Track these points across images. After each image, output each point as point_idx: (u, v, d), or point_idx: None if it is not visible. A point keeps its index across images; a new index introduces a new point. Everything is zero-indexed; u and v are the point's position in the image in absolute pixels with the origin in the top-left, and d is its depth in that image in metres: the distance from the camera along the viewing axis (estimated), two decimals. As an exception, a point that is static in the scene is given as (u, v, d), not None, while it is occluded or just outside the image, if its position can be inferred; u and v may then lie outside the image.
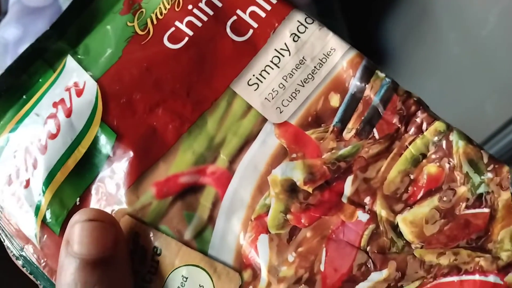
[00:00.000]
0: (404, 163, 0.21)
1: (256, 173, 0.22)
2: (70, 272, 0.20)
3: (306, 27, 0.23)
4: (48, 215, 0.22)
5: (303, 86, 0.22)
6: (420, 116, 0.21)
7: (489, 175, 0.21)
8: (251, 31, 0.23)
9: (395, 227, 0.21)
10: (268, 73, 0.22)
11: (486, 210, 0.21)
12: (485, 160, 0.21)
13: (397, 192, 0.21)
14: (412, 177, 0.21)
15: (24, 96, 0.24)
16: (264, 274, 0.21)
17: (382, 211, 0.21)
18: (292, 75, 0.22)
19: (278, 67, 0.22)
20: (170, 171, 0.22)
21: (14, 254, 0.23)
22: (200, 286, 0.21)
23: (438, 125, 0.21)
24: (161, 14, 0.23)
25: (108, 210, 0.22)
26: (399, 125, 0.22)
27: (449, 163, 0.21)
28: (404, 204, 0.21)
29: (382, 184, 0.21)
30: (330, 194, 0.21)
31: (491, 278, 0.20)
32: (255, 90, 0.22)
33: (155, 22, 0.23)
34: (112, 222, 0.21)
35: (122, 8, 0.24)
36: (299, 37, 0.23)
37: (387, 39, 0.71)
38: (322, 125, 0.22)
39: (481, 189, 0.21)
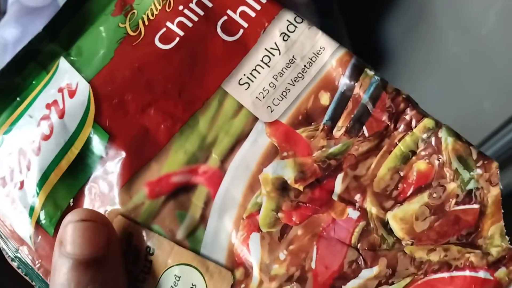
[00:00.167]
0: (394, 160, 0.21)
1: (248, 172, 0.22)
2: (64, 272, 0.20)
3: (295, 26, 0.23)
4: (42, 216, 0.22)
5: (294, 85, 0.22)
6: (409, 113, 0.22)
7: (479, 171, 0.21)
8: (241, 31, 0.23)
9: (385, 224, 0.21)
10: (259, 73, 0.22)
11: (476, 206, 0.21)
12: (474, 156, 0.21)
13: (387, 189, 0.21)
14: (402, 174, 0.21)
15: (17, 98, 0.24)
16: (256, 272, 0.21)
17: (372, 208, 0.21)
18: (283, 74, 0.22)
19: (269, 67, 0.22)
20: (162, 171, 0.22)
21: (9, 256, 0.23)
22: (193, 285, 0.21)
23: (427, 122, 0.21)
24: (152, 15, 0.23)
25: (101, 210, 0.22)
26: (389, 123, 0.22)
27: (439, 160, 0.21)
28: (394, 201, 0.21)
29: (372, 181, 0.21)
30: (320, 192, 0.21)
31: (481, 274, 0.20)
32: (246, 89, 0.22)
33: (146, 23, 0.23)
34: (105, 222, 0.21)
35: (114, 9, 0.24)
36: (289, 36, 0.23)
37: (386, 39, 0.71)
38: (312, 123, 0.22)
39: (471, 185, 0.21)
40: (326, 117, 0.22)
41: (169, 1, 0.23)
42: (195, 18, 0.23)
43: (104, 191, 0.22)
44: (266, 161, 0.22)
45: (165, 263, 0.21)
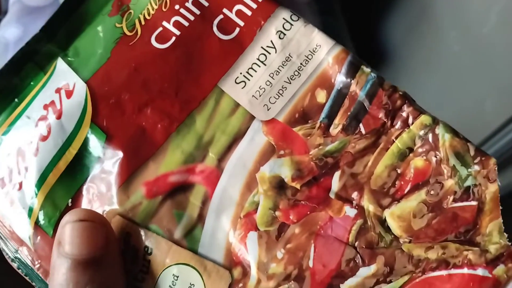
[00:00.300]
0: (391, 157, 0.21)
1: (245, 171, 0.22)
2: (62, 272, 0.20)
3: (291, 24, 0.23)
4: (41, 217, 0.22)
5: (290, 83, 0.22)
6: (406, 110, 0.21)
7: (476, 167, 0.21)
8: (237, 29, 0.23)
9: (383, 222, 0.21)
10: (255, 71, 0.22)
11: (474, 203, 0.21)
12: (472, 152, 0.21)
13: (385, 186, 0.21)
14: (399, 171, 0.21)
15: (16, 99, 0.24)
16: (253, 271, 0.21)
17: (369, 206, 0.21)
18: (279, 72, 0.22)
19: (265, 65, 0.22)
20: (160, 171, 0.22)
21: (9, 257, 0.23)
22: (191, 284, 0.21)
23: (424, 118, 0.21)
24: (148, 14, 0.23)
25: (99, 210, 0.22)
26: (385, 120, 0.22)
27: (436, 157, 0.21)
28: (391, 199, 0.21)
29: (369, 179, 0.21)
30: (317, 190, 0.21)
31: (480, 271, 0.20)
32: (242, 88, 0.22)
33: (143, 22, 0.23)
34: (103, 222, 0.21)
35: (111, 10, 0.24)
36: (285, 34, 0.23)
37: (388, 38, 0.71)
38: (309, 121, 0.22)
39: (469, 182, 0.21)
40: (323, 115, 0.22)
41: (165, 1, 0.23)
42: (191, 18, 0.23)
43: (102, 191, 0.22)
44: (263, 160, 0.22)
45: (163, 262, 0.21)
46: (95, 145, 0.22)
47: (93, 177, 0.22)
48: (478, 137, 0.54)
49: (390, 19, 0.70)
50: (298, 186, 0.21)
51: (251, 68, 0.22)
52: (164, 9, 0.23)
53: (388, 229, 0.21)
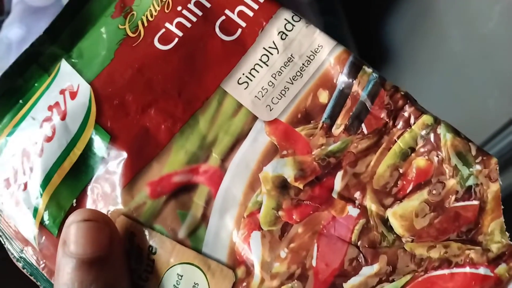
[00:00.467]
0: (393, 157, 0.21)
1: (248, 171, 0.22)
2: (67, 272, 0.20)
3: (293, 25, 0.23)
4: (46, 217, 0.22)
5: (292, 84, 0.22)
6: (407, 110, 0.22)
7: (478, 167, 0.21)
8: (239, 30, 0.23)
9: (385, 221, 0.21)
10: (258, 72, 0.22)
11: (476, 202, 0.21)
12: (473, 152, 0.21)
13: (387, 186, 0.21)
14: (401, 171, 0.21)
15: (20, 101, 0.24)
16: (257, 270, 0.21)
17: (372, 206, 0.21)
18: (281, 73, 0.22)
19: (267, 65, 0.23)
20: (164, 171, 0.22)
21: (14, 256, 0.23)
22: (195, 283, 0.21)
23: (425, 118, 0.21)
24: (151, 16, 0.24)
25: (104, 210, 0.22)
26: (387, 120, 0.22)
27: (438, 156, 0.21)
28: (393, 198, 0.21)
29: (371, 178, 0.21)
30: (320, 189, 0.22)
31: (482, 270, 0.20)
32: (245, 88, 0.22)
33: (145, 24, 0.23)
34: (107, 222, 0.21)
35: (113, 11, 0.24)
36: (286, 35, 0.23)
37: (390, 37, 0.71)
38: (311, 121, 0.22)
39: (470, 181, 0.21)
40: (325, 115, 0.22)
41: (168, 2, 0.23)
42: (194, 19, 0.23)
43: (106, 191, 0.22)
44: (266, 160, 0.22)
45: (168, 262, 0.21)
46: (100, 145, 0.22)
47: (98, 178, 0.22)
48: (480, 137, 0.54)
49: (392, 19, 0.70)
50: (301, 186, 0.22)
51: (254, 69, 0.23)
52: (166, 11, 0.23)
53: (390, 229, 0.21)
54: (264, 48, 0.23)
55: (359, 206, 0.21)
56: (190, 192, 0.22)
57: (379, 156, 0.21)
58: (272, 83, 0.22)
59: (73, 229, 0.20)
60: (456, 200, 0.21)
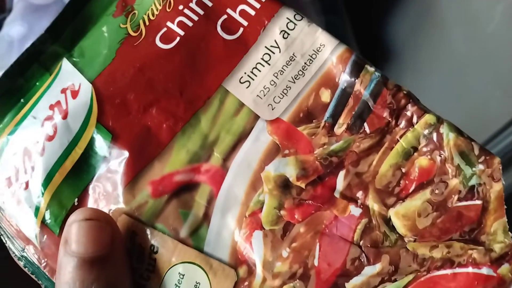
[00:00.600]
0: (396, 156, 0.21)
1: (250, 170, 0.22)
2: (68, 271, 0.20)
3: (295, 24, 0.23)
4: (47, 216, 0.22)
5: (294, 83, 0.22)
6: (410, 109, 0.21)
7: (481, 166, 0.21)
8: (241, 29, 0.23)
9: (387, 221, 0.21)
10: (259, 71, 0.22)
11: (478, 202, 0.21)
12: (476, 151, 0.21)
13: (389, 185, 0.21)
14: (403, 170, 0.21)
15: (22, 100, 0.24)
16: (259, 270, 0.21)
17: (374, 205, 0.21)
18: (283, 72, 0.22)
19: (269, 64, 0.22)
20: (165, 170, 0.22)
21: (16, 255, 0.23)
22: (197, 283, 0.21)
23: (428, 117, 0.21)
24: (153, 15, 0.24)
25: (105, 209, 0.22)
26: (390, 119, 0.22)
27: (440, 156, 0.21)
28: (396, 198, 0.21)
29: (374, 178, 0.21)
30: (322, 189, 0.21)
31: (484, 270, 0.20)
32: (247, 87, 0.22)
33: (147, 23, 0.23)
34: (108, 221, 0.21)
35: (115, 10, 0.24)
36: (288, 34, 0.23)
37: (392, 36, 0.71)
38: (313, 120, 0.22)
39: (473, 181, 0.21)
40: (327, 114, 0.22)
41: (169, 1, 0.23)
42: (195, 18, 0.23)
43: (108, 190, 0.22)
44: (268, 159, 0.22)
45: (169, 261, 0.21)
46: (101, 144, 0.22)
47: (99, 177, 0.22)
48: (482, 136, 0.54)
49: (394, 18, 0.70)
50: (303, 185, 0.22)
51: (255, 68, 0.22)
52: (168, 10, 0.23)
53: (393, 228, 0.21)
54: (266, 47, 0.23)
55: (361, 206, 0.21)
56: (192, 191, 0.22)
57: (382, 155, 0.21)
58: (274, 82, 0.22)
59: (75, 228, 0.20)
60: (459, 199, 0.21)
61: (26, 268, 0.23)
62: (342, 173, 0.21)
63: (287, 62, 0.22)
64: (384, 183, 0.21)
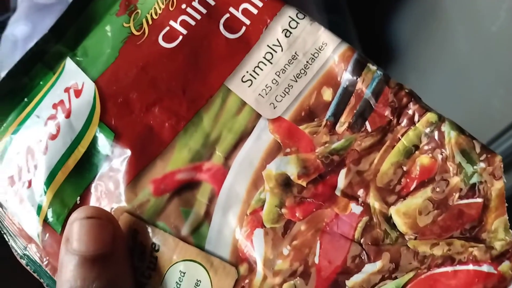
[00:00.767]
0: (397, 155, 0.21)
1: (251, 169, 0.22)
2: (70, 269, 0.20)
3: (297, 23, 0.23)
4: (49, 214, 0.22)
5: (296, 81, 0.22)
6: (412, 108, 0.21)
7: (482, 164, 0.21)
8: (243, 28, 0.23)
9: (388, 219, 0.21)
10: (262, 69, 0.23)
11: (479, 200, 0.21)
12: (478, 150, 0.21)
13: (390, 184, 0.21)
14: (405, 168, 0.21)
15: (25, 99, 0.24)
16: (259, 267, 0.21)
17: (375, 203, 0.21)
18: (285, 71, 0.22)
19: (271, 63, 0.23)
20: (167, 169, 0.22)
21: (18, 253, 0.23)
22: (198, 280, 0.21)
23: (430, 116, 0.21)
24: (156, 14, 0.24)
25: (107, 208, 0.22)
26: (391, 117, 0.22)
27: (442, 154, 0.21)
28: (397, 196, 0.21)
29: (375, 176, 0.21)
30: (323, 187, 0.22)
31: (485, 268, 0.20)
32: (249, 86, 0.22)
33: (150, 22, 0.24)
34: (110, 219, 0.21)
35: (118, 9, 0.24)
36: (291, 32, 0.23)
37: (395, 36, 0.71)
38: (315, 119, 0.22)
39: (474, 179, 0.21)
40: (329, 112, 0.22)
41: (172, 0, 0.24)
42: (198, 17, 0.23)
43: (110, 188, 0.22)
44: (270, 158, 0.22)
45: (170, 259, 0.21)
46: (104, 143, 0.23)
47: (102, 175, 0.22)
48: (484, 136, 0.54)
49: (397, 16, 0.70)
50: (304, 184, 0.22)
51: (258, 66, 0.23)
52: (171, 9, 0.23)
53: (393, 226, 0.21)
54: (268, 45, 0.23)
55: (362, 204, 0.21)
56: (194, 189, 0.22)
57: (383, 153, 0.21)
58: (276, 81, 0.22)
59: (76, 226, 0.20)
60: (460, 197, 0.21)
61: (28, 267, 0.23)
62: (343, 172, 0.22)
63: (289, 60, 0.23)
64: (385, 181, 0.21)
